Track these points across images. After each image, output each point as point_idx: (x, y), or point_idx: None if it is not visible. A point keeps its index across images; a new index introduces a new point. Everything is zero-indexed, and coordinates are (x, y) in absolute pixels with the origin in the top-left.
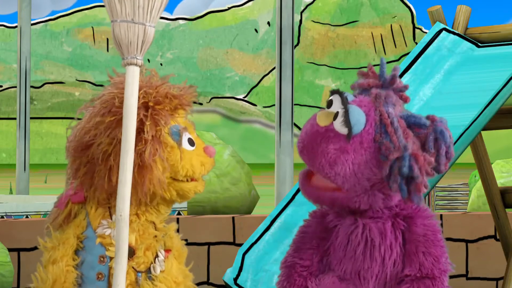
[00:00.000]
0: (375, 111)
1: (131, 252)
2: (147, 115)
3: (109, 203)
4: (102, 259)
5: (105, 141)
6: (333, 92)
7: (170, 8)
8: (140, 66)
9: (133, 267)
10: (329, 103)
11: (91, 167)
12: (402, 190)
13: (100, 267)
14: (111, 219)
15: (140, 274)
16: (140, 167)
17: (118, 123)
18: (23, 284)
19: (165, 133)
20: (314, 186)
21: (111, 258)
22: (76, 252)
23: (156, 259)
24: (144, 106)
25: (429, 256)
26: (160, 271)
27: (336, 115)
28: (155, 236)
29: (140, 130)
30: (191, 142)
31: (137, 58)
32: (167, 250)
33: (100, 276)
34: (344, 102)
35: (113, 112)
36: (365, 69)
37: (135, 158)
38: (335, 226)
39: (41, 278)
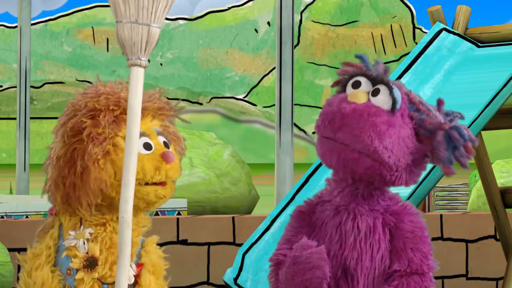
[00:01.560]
0: (401, 91)
1: (94, 263)
2: (98, 120)
3: (80, 213)
4: (68, 271)
5: (56, 146)
6: (356, 73)
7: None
8: (144, 67)
9: (98, 279)
10: (357, 83)
11: (63, 180)
12: (449, 158)
13: (68, 279)
14: (80, 229)
15: (106, 286)
16: (84, 168)
17: (63, 126)
18: None
19: (119, 137)
20: (350, 150)
21: (77, 270)
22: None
23: None
24: (99, 110)
25: (417, 252)
26: (129, 285)
27: (375, 91)
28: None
29: (88, 132)
30: (147, 146)
31: (141, 59)
32: (139, 265)
33: None
34: (381, 79)
35: (67, 116)
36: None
37: (80, 160)
38: (322, 224)
39: (26, 284)
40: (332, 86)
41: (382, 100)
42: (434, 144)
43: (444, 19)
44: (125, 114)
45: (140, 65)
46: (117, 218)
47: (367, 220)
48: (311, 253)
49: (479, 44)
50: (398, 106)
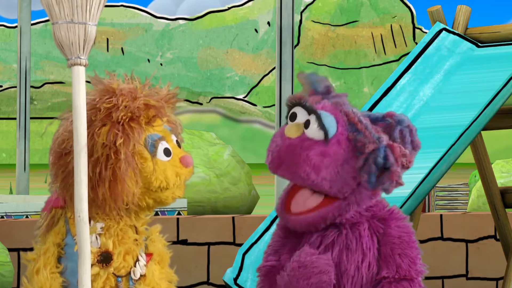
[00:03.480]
0: (340, 113)
1: (109, 258)
2: (119, 131)
3: (92, 210)
4: None
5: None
6: (292, 104)
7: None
8: (85, 66)
9: (112, 273)
10: (293, 116)
11: (68, 175)
12: (372, 181)
13: None
14: (90, 224)
15: (120, 278)
16: (113, 182)
17: (91, 131)
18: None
19: (140, 146)
20: (298, 213)
21: (91, 266)
22: (59, 259)
23: (137, 263)
24: (117, 122)
25: (405, 257)
26: (141, 275)
27: (306, 123)
28: (136, 240)
29: (111, 144)
30: (167, 152)
31: (80, 58)
32: (149, 254)
33: None
34: (311, 109)
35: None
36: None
37: (107, 173)
38: (308, 233)
39: None
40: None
41: (314, 131)
42: (357, 165)
43: (444, 19)
44: (145, 118)
45: (80, 64)
46: (135, 218)
47: (353, 230)
48: (318, 258)
49: (479, 44)
50: (330, 135)
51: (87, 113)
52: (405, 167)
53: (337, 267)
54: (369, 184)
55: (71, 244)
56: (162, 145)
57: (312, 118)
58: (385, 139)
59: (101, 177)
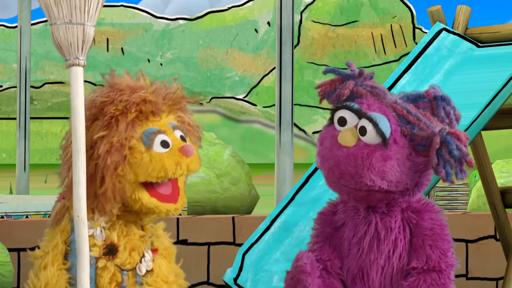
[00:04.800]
0: (386, 108)
1: (114, 250)
2: (104, 126)
3: (92, 205)
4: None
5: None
6: (338, 108)
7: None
8: (83, 66)
9: (117, 266)
10: (342, 120)
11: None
12: (449, 174)
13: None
14: (94, 218)
15: (125, 272)
16: (102, 179)
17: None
18: (23, 284)
19: (133, 140)
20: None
21: (96, 259)
22: (66, 256)
23: (143, 259)
24: (106, 115)
25: (436, 249)
26: (147, 270)
27: (361, 130)
28: (141, 237)
29: (97, 139)
30: (164, 144)
31: (79, 59)
32: (154, 250)
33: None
34: (362, 113)
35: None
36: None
37: (96, 171)
38: (343, 224)
39: (33, 285)
40: (320, 102)
41: (371, 137)
42: (431, 162)
43: (444, 19)
44: (141, 113)
45: (78, 65)
46: (130, 212)
47: (385, 221)
48: (295, 268)
49: (479, 44)
50: (388, 137)
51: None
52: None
53: (366, 256)
54: (447, 177)
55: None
56: (159, 138)
57: (366, 124)
58: (447, 128)
59: (92, 173)
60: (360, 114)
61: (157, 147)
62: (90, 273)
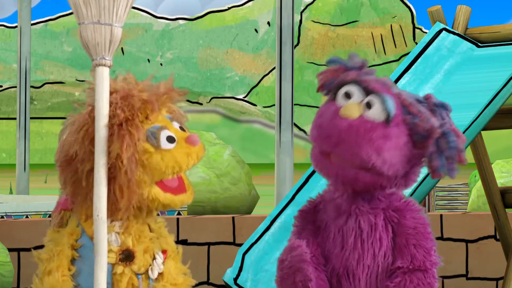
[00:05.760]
0: (392, 94)
1: (131, 256)
2: (119, 135)
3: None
4: None
5: (86, 157)
6: (345, 82)
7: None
8: (109, 67)
9: (132, 270)
10: (348, 94)
11: (77, 180)
12: (443, 166)
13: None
14: (107, 223)
15: (140, 276)
16: (121, 185)
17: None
18: (23, 284)
19: (141, 143)
20: (347, 170)
21: (113, 265)
22: (72, 262)
23: (154, 261)
24: (116, 124)
25: (420, 248)
26: (158, 273)
27: (368, 104)
28: (151, 239)
29: (110, 149)
30: (170, 139)
31: (105, 59)
32: (164, 251)
33: None
34: (371, 90)
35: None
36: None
37: (114, 177)
38: (325, 223)
39: None
40: (318, 91)
41: (376, 113)
42: (427, 152)
43: (444, 19)
44: (143, 115)
45: (105, 65)
46: (146, 215)
47: (368, 219)
48: (293, 256)
49: (479, 44)
50: (392, 117)
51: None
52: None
53: (351, 255)
54: (440, 168)
55: (88, 245)
56: (164, 134)
57: (375, 99)
58: (448, 123)
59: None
60: (368, 90)
61: (164, 144)
62: (107, 279)
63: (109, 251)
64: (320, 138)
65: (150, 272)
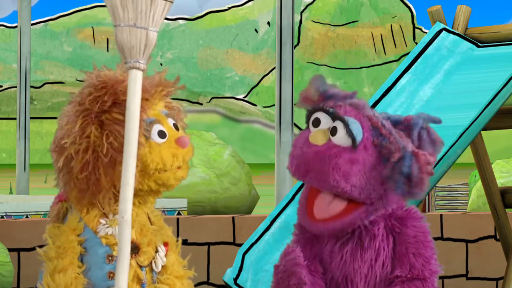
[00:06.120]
0: (363, 117)
1: (136, 248)
2: (109, 116)
3: (99, 203)
4: (110, 258)
5: (76, 142)
6: (314, 109)
7: None
8: (143, 70)
9: (137, 263)
10: (316, 121)
11: (69, 171)
12: (401, 189)
13: (110, 266)
14: (107, 217)
15: (144, 268)
16: (106, 163)
17: (86, 123)
18: (23, 284)
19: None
20: (324, 219)
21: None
22: (80, 257)
23: (157, 254)
24: (108, 107)
25: (419, 257)
26: (162, 265)
27: (333, 130)
28: (153, 231)
29: (102, 130)
30: (161, 134)
31: (139, 62)
32: (166, 244)
33: (111, 275)
34: (336, 115)
35: (80, 112)
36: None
37: (100, 156)
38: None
39: (48, 287)
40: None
41: (341, 138)
42: (384, 174)
43: (444, 19)
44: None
45: (138, 68)
46: (139, 203)
47: (367, 229)
48: (287, 260)
49: (479, 44)
50: (358, 141)
51: (78, 105)
52: (430, 173)
53: (350, 264)
54: (398, 192)
55: (93, 238)
56: (156, 128)
57: (339, 125)
58: (410, 146)
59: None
60: (334, 117)
61: (154, 138)
62: (114, 270)
63: (115, 244)
64: (293, 169)
65: (154, 265)
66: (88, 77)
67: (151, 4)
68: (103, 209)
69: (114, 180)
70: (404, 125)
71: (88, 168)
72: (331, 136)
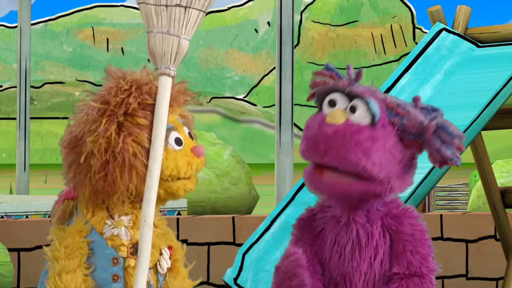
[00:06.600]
0: (377, 98)
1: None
2: (130, 118)
3: (105, 204)
4: (115, 261)
5: (98, 141)
6: (330, 90)
7: None
8: (173, 77)
9: None
10: (332, 102)
11: (79, 166)
12: (453, 155)
13: (114, 269)
14: (113, 219)
15: (149, 270)
16: (122, 165)
17: (109, 122)
18: (23, 284)
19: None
20: (339, 182)
21: (124, 259)
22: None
23: (161, 257)
24: (132, 109)
25: (416, 254)
26: (167, 268)
27: (352, 108)
28: (158, 234)
29: (121, 131)
30: (178, 141)
31: (170, 69)
32: (170, 247)
33: (116, 278)
34: (355, 94)
35: (103, 111)
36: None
37: (117, 157)
38: (323, 232)
39: (56, 286)
40: (308, 99)
41: (361, 116)
42: (427, 147)
43: (444, 19)
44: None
45: (169, 75)
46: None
47: (365, 228)
48: (289, 262)
49: (479, 44)
50: (377, 118)
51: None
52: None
53: (349, 263)
54: (452, 159)
55: (99, 240)
56: (173, 135)
57: (359, 103)
58: (438, 116)
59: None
60: (351, 96)
61: (172, 144)
62: (119, 273)
63: (121, 245)
64: (309, 149)
65: (159, 267)
66: (113, 77)
67: (185, 13)
68: (112, 210)
69: (129, 183)
70: (414, 104)
71: (107, 168)
72: (350, 114)
